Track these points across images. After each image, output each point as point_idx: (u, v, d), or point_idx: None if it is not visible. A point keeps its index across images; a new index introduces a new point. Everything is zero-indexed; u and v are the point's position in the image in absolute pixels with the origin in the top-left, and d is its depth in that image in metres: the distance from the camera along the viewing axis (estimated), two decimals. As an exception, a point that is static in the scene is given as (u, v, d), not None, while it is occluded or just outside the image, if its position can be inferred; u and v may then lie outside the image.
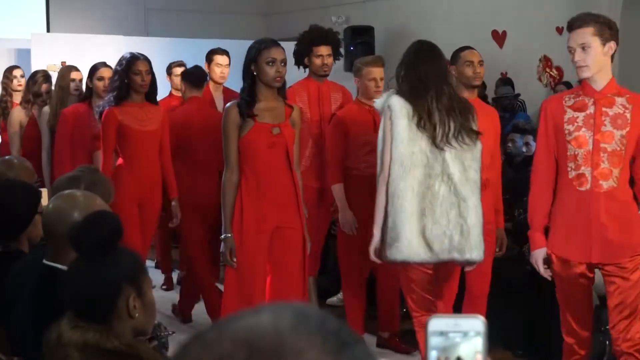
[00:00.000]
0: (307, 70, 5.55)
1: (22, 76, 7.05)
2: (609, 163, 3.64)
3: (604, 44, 3.61)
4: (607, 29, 3.61)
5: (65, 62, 7.35)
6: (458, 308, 4.65)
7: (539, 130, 3.88)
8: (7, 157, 4.45)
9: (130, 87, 5.09)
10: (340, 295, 6.18)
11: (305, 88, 5.46)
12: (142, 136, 5.13)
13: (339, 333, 0.85)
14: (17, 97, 6.94)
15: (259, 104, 4.22)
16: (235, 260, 4.22)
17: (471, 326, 0.92)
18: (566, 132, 3.70)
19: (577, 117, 3.69)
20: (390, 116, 3.91)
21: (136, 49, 5.46)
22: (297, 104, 4.79)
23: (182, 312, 6.01)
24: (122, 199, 4.64)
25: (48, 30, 10.54)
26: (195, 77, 5.93)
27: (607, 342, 4.40)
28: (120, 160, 5.17)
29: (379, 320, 5.40)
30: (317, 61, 5.45)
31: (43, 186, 5.14)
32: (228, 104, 4.34)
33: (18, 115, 6.62)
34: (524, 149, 6.58)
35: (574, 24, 3.67)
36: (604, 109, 3.66)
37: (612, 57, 3.68)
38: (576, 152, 3.67)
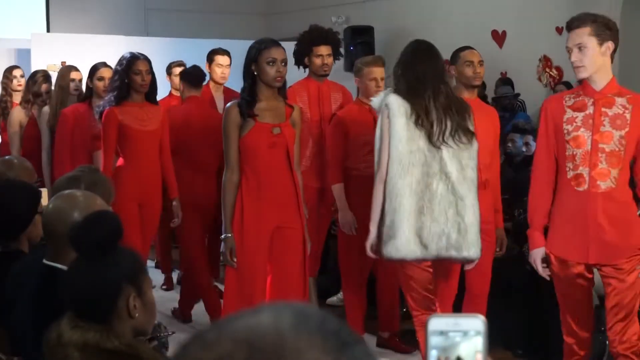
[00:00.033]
0: (307, 70, 5.55)
1: (22, 76, 7.06)
2: (607, 163, 3.63)
3: (600, 44, 3.60)
4: (605, 29, 3.60)
5: (65, 62, 7.35)
6: (458, 308, 4.65)
7: (539, 130, 3.88)
8: (7, 157, 4.45)
9: (131, 86, 5.09)
10: (340, 295, 6.19)
11: (306, 88, 5.46)
12: (143, 136, 5.13)
13: (339, 333, 0.85)
14: (17, 97, 6.95)
15: (259, 103, 4.22)
16: (235, 260, 4.22)
17: (471, 325, 0.92)
18: (565, 132, 3.70)
19: (577, 117, 3.69)
20: (388, 114, 3.93)
21: (136, 49, 5.47)
22: (297, 103, 4.79)
23: (182, 312, 6.01)
24: (122, 199, 4.64)
25: (48, 30, 10.54)
26: (193, 77, 5.95)
27: (607, 343, 4.40)
28: (120, 160, 5.17)
29: (379, 320, 5.40)
30: (317, 61, 5.45)
31: (43, 186, 5.14)
32: (228, 104, 4.34)
33: (18, 115, 6.62)
34: (524, 149, 6.58)
35: (571, 24, 3.67)
36: (603, 109, 3.65)
37: (612, 57, 3.67)
38: (574, 152, 3.67)
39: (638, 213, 3.86)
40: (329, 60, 5.48)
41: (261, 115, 4.20)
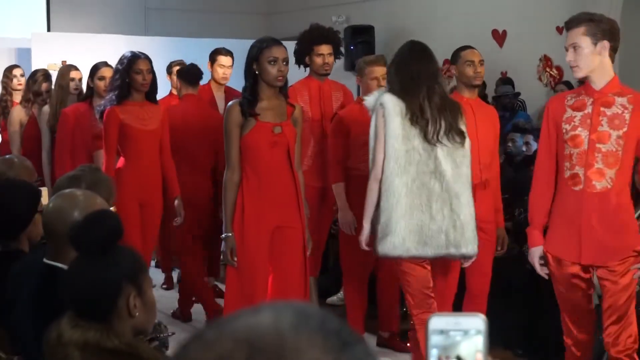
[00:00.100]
0: (308, 69, 5.55)
1: (22, 75, 7.06)
2: (603, 164, 3.61)
3: (595, 44, 3.59)
4: (600, 28, 3.58)
5: (65, 62, 7.35)
6: (458, 307, 4.65)
7: (541, 129, 3.88)
8: (7, 156, 4.45)
9: (132, 86, 5.09)
10: (340, 295, 6.19)
11: (307, 87, 5.46)
12: (143, 135, 5.13)
13: (339, 332, 0.85)
14: (17, 97, 6.95)
15: (260, 103, 4.22)
16: (236, 259, 4.22)
17: (472, 325, 0.92)
18: (564, 131, 3.70)
19: (575, 116, 3.69)
20: (383, 114, 3.97)
21: (136, 48, 5.46)
22: (299, 103, 4.79)
23: (182, 311, 6.01)
24: (123, 198, 4.64)
25: (48, 30, 10.53)
26: (190, 75, 5.97)
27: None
28: (121, 160, 5.16)
29: (379, 320, 5.40)
30: (318, 60, 5.44)
31: (43, 185, 5.14)
32: (230, 103, 4.34)
33: (18, 114, 6.62)
34: (524, 149, 6.58)
35: (568, 24, 3.68)
36: (602, 108, 3.64)
37: (612, 56, 3.66)
38: (572, 152, 3.67)
39: (636, 215, 3.85)
40: (330, 59, 5.48)
41: (262, 114, 4.20)
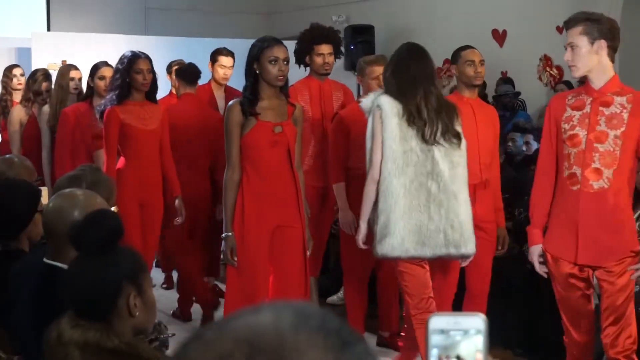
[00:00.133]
0: (308, 69, 5.55)
1: (22, 75, 7.06)
2: (601, 163, 3.60)
3: (592, 43, 3.58)
4: (597, 28, 3.58)
5: (65, 61, 7.35)
6: (458, 307, 4.65)
7: (543, 128, 3.89)
8: (7, 155, 4.45)
9: (132, 86, 5.08)
10: (340, 294, 6.19)
11: (307, 87, 5.46)
12: (144, 135, 5.12)
13: (339, 332, 0.85)
14: (17, 96, 6.95)
15: (261, 102, 4.22)
16: (236, 259, 4.22)
17: (472, 324, 0.92)
18: (563, 130, 3.71)
19: (574, 115, 3.68)
20: (380, 115, 3.98)
21: (136, 48, 5.46)
22: (299, 102, 4.78)
23: (182, 311, 6.01)
24: (123, 198, 4.64)
25: (49, 29, 10.54)
26: (189, 74, 5.99)
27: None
28: (121, 160, 5.16)
29: (379, 320, 5.40)
30: (318, 60, 5.44)
31: (43, 185, 5.14)
32: (230, 102, 4.33)
33: (18, 113, 6.62)
34: (524, 148, 6.58)
35: (567, 24, 3.68)
36: (600, 108, 3.63)
37: (612, 55, 3.64)
38: (570, 151, 3.67)
39: (636, 216, 3.83)
40: (330, 59, 5.48)
41: (263, 113, 4.20)
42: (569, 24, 3.65)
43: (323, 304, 6.12)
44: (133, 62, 5.07)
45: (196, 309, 6.02)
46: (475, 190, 4.54)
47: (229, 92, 6.26)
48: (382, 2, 10.28)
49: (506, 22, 8.97)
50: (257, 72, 4.19)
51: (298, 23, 6.65)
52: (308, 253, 4.38)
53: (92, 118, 5.55)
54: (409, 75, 4.04)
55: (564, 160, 3.71)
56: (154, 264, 7.37)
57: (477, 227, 4.54)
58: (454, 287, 4.53)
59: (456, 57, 4.71)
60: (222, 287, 6.01)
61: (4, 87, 7.09)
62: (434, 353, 0.92)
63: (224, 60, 6.29)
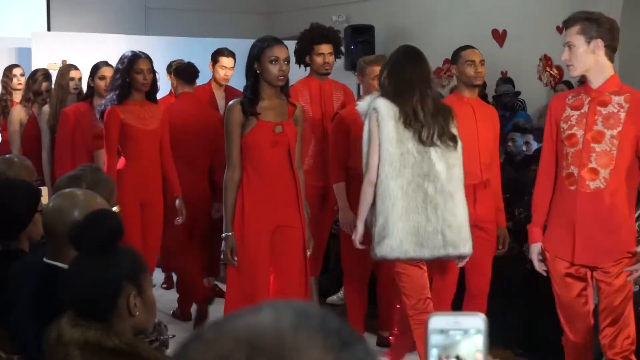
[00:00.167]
0: (308, 68, 5.55)
1: (22, 75, 7.06)
2: (597, 163, 3.59)
3: (588, 42, 3.58)
4: (594, 27, 3.57)
5: (65, 61, 7.35)
6: (458, 307, 4.65)
7: (545, 128, 3.89)
8: (7, 155, 4.45)
9: (132, 86, 5.08)
10: (340, 294, 6.19)
11: (307, 86, 5.46)
12: (144, 135, 5.12)
13: (339, 332, 0.85)
14: (17, 96, 6.95)
15: (262, 102, 4.21)
16: (236, 259, 4.22)
17: (472, 324, 0.92)
18: (562, 130, 3.71)
19: (573, 115, 3.68)
20: (376, 118, 4.00)
21: (136, 48, 5.46)
22: (299, 102, 4.78)
23: (181, 311, 6.01)
24: (124, 198, 4.63)
25: (49, 29, 10.54)
26: (187, 73, 6.00)
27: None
28: (121, 160, 5.15)
29: (379, 320, 5.40)
30: (319, 59, 5.44)
31: (43, 184, 5.14)
32: (231, 102, 4.33)
33: (18, 113, 6.63)
34: (524, 148, 6.58)
35: (565, 23, 3.68)
36: (598, 107, 3.62)
37: (610, 54, 3.62)
38: (568, 151, 3.67)
39: (636, 215, 3.82)
40: (330, 58, 5.47)
41: (263, 113, 4.20)
42: (568, 23, 3.66)
43: (323, 304, 6.12)
44: (133, 62, 5.07)
45: (195, 309, 6.02)
46: (475, 190, 4.54)
47: (230, 92, 6.26)
48: (382, 2, 10.28)
49: (506, 22, 8.97)
50: (258, 72, 4.19)
51: (298, 23, 6.65)
52: (309, 253, 4.38)
53: (93, 118, 5.55)
54: (406, 78, 4.06)
55: (562, 159, 3.71)
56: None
57: (477, 227, 4.55)
58: (453, 287, 4.54)
59: (456, 57, 4.70)
60: (222, 287, 6.01)
61: (4, 87, 7.09)
62: (433, 353, 0.92)
63: (225, 61, 6.28)
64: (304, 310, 0.86)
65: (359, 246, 4.19)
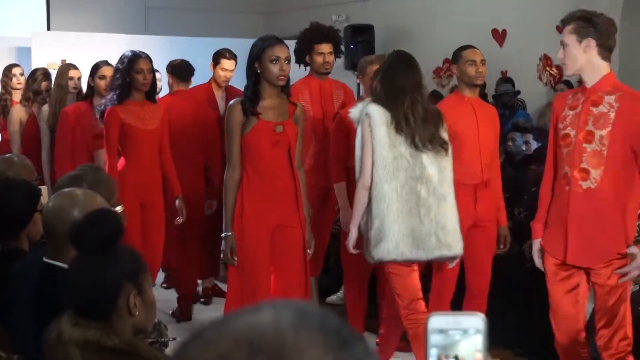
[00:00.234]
0: (308, 68, 5.55)
1: (22, 74, 7.06)
2: (588, 163, 3.58)
3: (580, 42, 3.57)
4: (587, 26, 3.56)
5: (65, 61, 7.35)
6: (458, 307, 4.65)
7: (550, 128, 3.90)
8: (7, 155, 4.45)
9: (132, 85, 5.07)
10: (340, 294, 6.19)
11: (307, 86, 5.45)
12: (144, 135, 5.11)
13: (339, 331, 0.85)
14: (17, 96, 6.96)
15: (262, 101, 4.21)
16: (236, 258, 4.22)
17: (471, 324, 0.92)
18: (559, 129, 3.72)
19: (568, 115, 3.68)
20: (369, 123, 4.04)
21: (136, 47, 5.45)
22: (300, 102, 4.78)
23: (181, 311, 6.01)
24: (124, 199, 4.63)
25: (48, 29, 10.54)
26: (181, 71, 6.01)
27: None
28: (121, 160, 5.14)
29: (379, 319, 5.39)
30: (319, 59, 5.44)
31: (43, 184, 5.14)
32: (231, 102, 4.32)
33: (18, 113, 6.63)
34: (524, 148, 6.58)
35: (562, 23, 3.69)
36: (590, 107, 3.61)
37: (604, 54, 3.60)
38: (563, 151, 3.68)
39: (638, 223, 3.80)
40: (330, 58, 5.47)
41: (264, 113, 4.20)
42: (563, 22, 3.66)
43: (323, 303, 6.12)
44: (133, 62, 5.06)
45: (196, 308, 6.03)
46: (476, 189, 4.55)
47: (230, 92, 6.26)
48: (382, 2, 10.28)
49: (506, 22, 8.98)
50: (259, 71, 4.19)
51: (298, 22, 6.65)
52: (310, 252, 4.38)
53: (93, 117, 5.54)
54: (397, 84, 4.09)
55: (560, 159, 3.72)
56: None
57: (478, 226, 4.56)
58: (452, 287, 4.54)
59: (457, 56, 4.69)
60: (222, 287, 6.02)
61: (3, 87, 7.09)
62: (433, 353, 0.92)
63: (226, 63, 6.27)
64: (304, 310, 0.86)
65: (352, 251, 4.22)
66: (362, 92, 5.28)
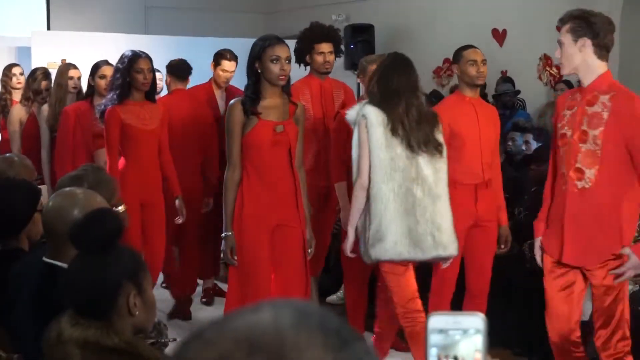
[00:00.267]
0: (308, 68, 5.55)
1: (22, 74, 7.07)
2: (582, 163, 3.58)
3: (575, 41, 3.57)
4: (582, 25, 3.56)
5: (65, 60, 7.35)
6: (458, 307, 4.65)
7: (553, 127, 3.91)
8: (7, 154, 4.45)
9: (132, 85, 5.07)
10: (340, 294, 6.19)
11: (308, 86, 5.45)
12: (144, 135, 5.11)
13: (339, 331, 0.85)
14: (17, 95, 6.96)
15: (263, 101, 4.21)
16: (236, 258, 4.22)
17: (471, 324, 0.92)
18: (557, 129, 3.72)
19: (566, 115, 3.69)
20: (366, 124, 4.06)
21: (136, 47, 5.45)
22: (300, 101, 4.78)
23: (181, 311, 6.01)
24: (124, 199, 4.62)
25: (48, 28, 10.54)
26: (179, 70, 6.01)
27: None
28: (121, 161, 5.14)
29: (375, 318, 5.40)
30: (319, 58, 5.44)
31: (43, 184, 5.14)
32: (232, 101, 4.32)
33: (18, 113, 6.63)
34: (524, 148, 6.58)
35: (560, 22, 3.69)
36: (585, 107, 3.61)
37: (601, 53, 3.59)
38: (561, 151, 3.68)
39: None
40: (331, 57, 5.47)
41: (264, 113, 4.20)
42: (561, 21, 3.67)
43: (323, 303, 6.12)
44: (133, 62, 5.06)
45: (196, 308, 6.02)
46: (476, 189, 4.55)
47: (230, 92, 6.26)
48: (382, 2, 10.28)
49: (506, 22, 8.98)
50: (259, 71, 4.19)
51: (298, 22, 6.65)
52: (311, 252, 4.38)
53: (93, 117, 5.54)
54: (392, 86, 4.10)
55: (558, 159, 3.73)
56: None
57: (478, 226, 4.56)
58: (452, 286, 4.54)
59: (458, 56, 4.69)
60: (222, 287, 6.02)
61: (3, 86, 7.09)
62: (433, 352, 0.92)
63: (227, 65, 6.26)
64: (304, 310, 0.86)
65: (349, 254, 4.21)
66: (362, 92, 5.28)
